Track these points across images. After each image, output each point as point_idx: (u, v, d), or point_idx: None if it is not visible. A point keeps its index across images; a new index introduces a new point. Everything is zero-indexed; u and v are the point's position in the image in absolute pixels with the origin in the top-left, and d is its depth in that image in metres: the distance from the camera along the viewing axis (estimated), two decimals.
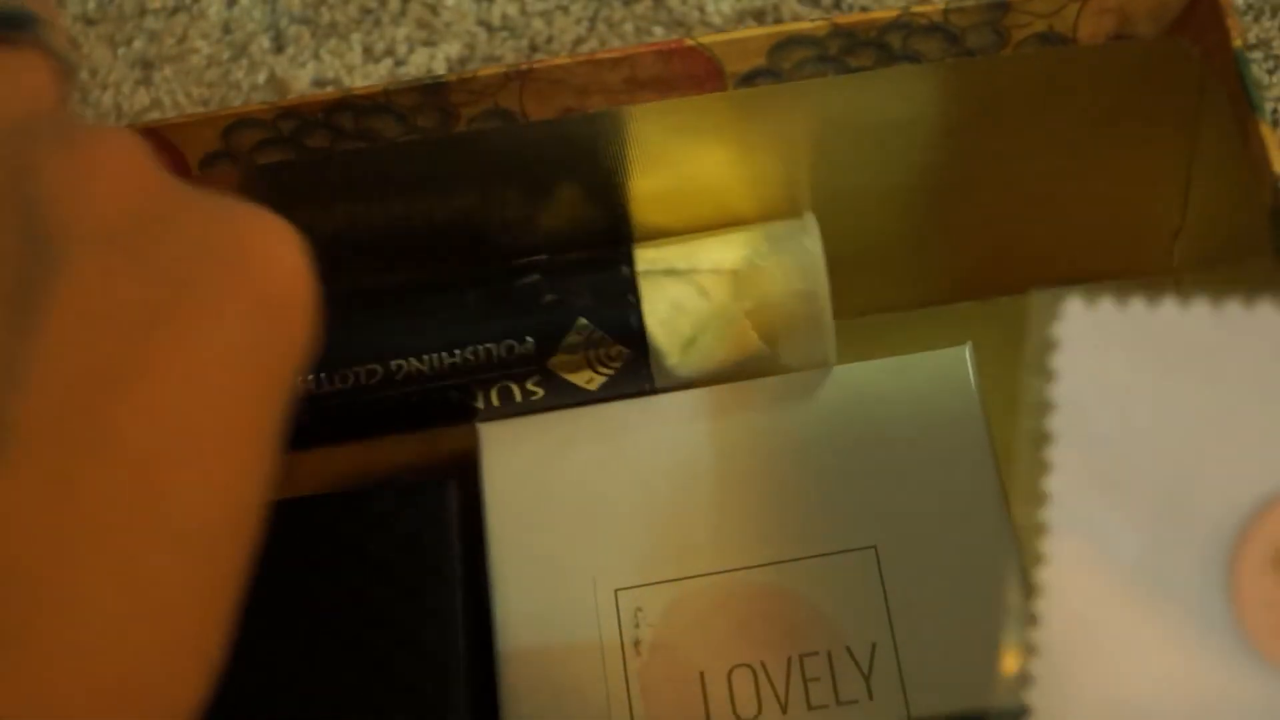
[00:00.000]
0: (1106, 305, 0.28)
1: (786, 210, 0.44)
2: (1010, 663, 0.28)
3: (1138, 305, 0.28)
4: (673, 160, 0.42)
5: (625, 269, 0.43)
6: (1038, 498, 0.28)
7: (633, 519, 0.41)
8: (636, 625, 0.40)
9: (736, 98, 0.40)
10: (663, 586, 0.40)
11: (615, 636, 0.40)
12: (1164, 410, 0.28)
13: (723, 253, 0.43)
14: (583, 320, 0.42)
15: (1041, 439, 0.28)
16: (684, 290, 0.42)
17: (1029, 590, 0.28)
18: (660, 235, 0.44)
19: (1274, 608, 0.27)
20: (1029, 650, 0.28)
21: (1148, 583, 0.27)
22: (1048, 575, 0.28)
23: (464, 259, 0.44)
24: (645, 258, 0.43)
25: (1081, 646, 0.28)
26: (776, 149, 0.42)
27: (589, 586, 0.40)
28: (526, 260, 0.44)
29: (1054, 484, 0.28)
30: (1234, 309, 0.28)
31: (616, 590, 0.40)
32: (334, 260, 0.43)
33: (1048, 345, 0.28)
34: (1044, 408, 0.28)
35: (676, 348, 0.42)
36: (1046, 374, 0.28)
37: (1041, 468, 0.28)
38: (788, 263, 0.42)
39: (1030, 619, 0.28)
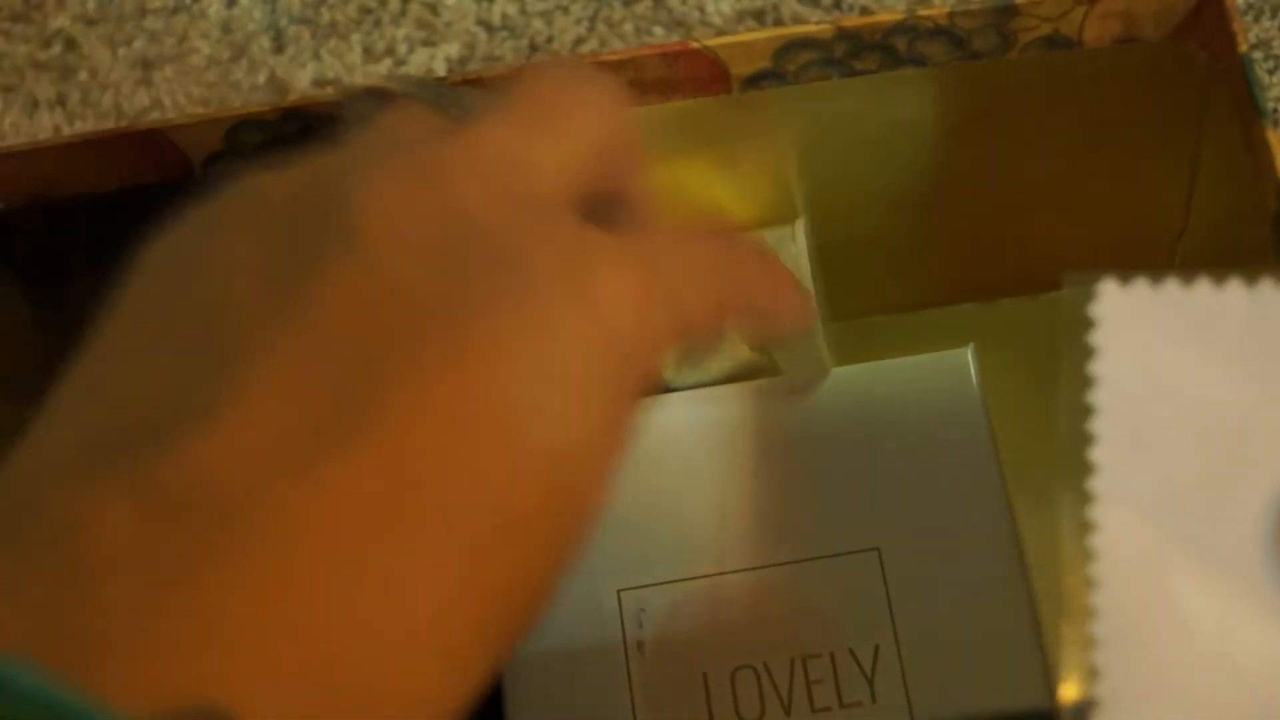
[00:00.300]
0: (1141, 286, 0.29)
1: (782, 217, 0.44)
2: (1074, 631, 0.28)
3: (1172, 285, 0.29)
4: (673, 165, 0.42)
5: None
6: (1083, 468, 0.29)
7: (636, 519, 0.41)
8: (640, 625, 0.40)
9: (740, 101, 0.40)
10: (666, 587, 0.40)
11: (618, 637, 0.40)
12: (1203, 384, 0.29)
13: None
14: None
15: (1084, 411, 0.29)
16: None
17: (1085, 556, 0.28)
18: None
19: None
20: (1091, 614, 0.28)
21: (1197, 545, 0.28)
22: (1100, 541, 0.28)
23: None
24: None
25: (1141, 607, 0.28)
26: (779, 151, 0.42)
27: (591, 586, 0.40)
28: None
29: (1099, 454, 0.28)
30: (1267, 288, 0.29)
31: (619, 590, 0.40)
32: None
33: (1085, 324, 0.29)
34: (1085, 381, 0.29)
35: (670, 365, 0.43)
36: (1085, 350, 0.29)
37: (1085, 439, 0.29)
38: None
39: (1088, 583, 0.28)
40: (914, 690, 0.39)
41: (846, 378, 0.42)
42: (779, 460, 0.41)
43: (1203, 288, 0.29)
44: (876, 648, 0.39)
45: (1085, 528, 0.28)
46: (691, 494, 0.41)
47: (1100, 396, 0.29)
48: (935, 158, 0.43)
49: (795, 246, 0.43)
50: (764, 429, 0.41)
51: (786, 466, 0.41)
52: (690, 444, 0.42)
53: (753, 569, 0.40)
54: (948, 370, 0.42)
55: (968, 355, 0.42)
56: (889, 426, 0.41)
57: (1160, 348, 0.29)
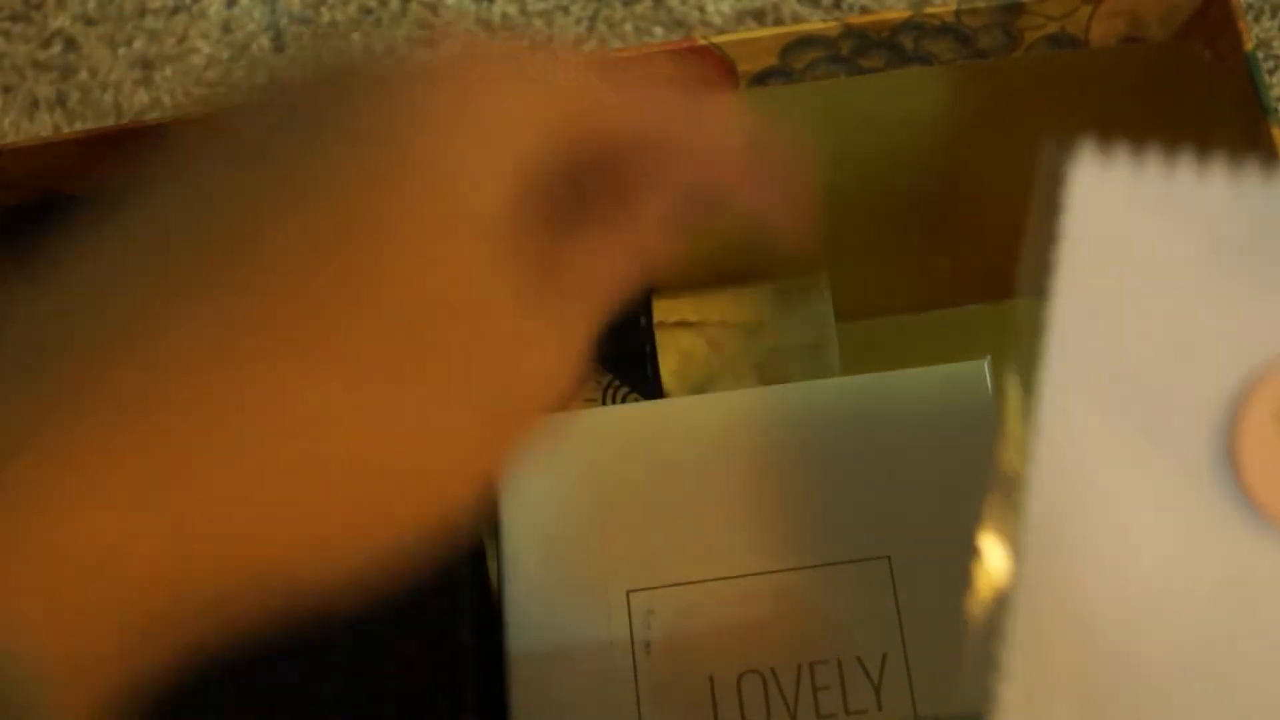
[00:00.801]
0: (1122, 157, 0.28)
1: (804, 266, 0.45)
2: (995, 529, 0.27)
3: (1154, 163, 0.28)
4: None
5: (643, 319, 0.44)
6: (1033, 355, 0.27)
7: (647, 521, 0.41)
8: (648, 627, 0.40)
9: (746, 98, 0.40)
10: (675, 589, 0.40)
11: (625, 637, 0.39)
12: (1172, 260, 0.27)
13: (734, 307, 0.44)
14: (601, 369, 0.43)
15: (1042, 295, 0.27)
16: (695, 342, 0.43)
17: (1022, 456, 0.27)
18: (674, 271, 0.45)
19: (1276, 464, 0.26)
20: (1017, 516, 0.27)
21: (1148, 441, 0.26)
22: (1042, 439, 0.27)
23: None
24: (661, 309, 0.44)
25: (1076, 508, 0.26)
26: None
27: (601, 587, 0.40)
28: None
29: (1051, 341, 0.27)
30: (1251, 179, 0.28)
31: (628, 591, 0.40)
32: None
33: (1058, 181, 0.28)
34: (1051, 237, 0.28)
35: (686, 395, 0.43)
36: (1055, 207, 0.28)
37: (1039, 326, 0.27)
38: (797, 318, 0.43)
39: (1021, 485, 0.27)
40: (920, 699, 0.39)
41: (863, 386, 0.42)
42: (792, 465, 0.41)
43: (1185, 172, 0.28)
44: (884, 656, 0.39)
45: (1031, 424, 0.27)
46: (703, 497, 0.41)
47: (1065, 253, 0.27)
48: (940, 156, 0.43)
49: (819, 296, 0.44)
50: (779, 434, 0.41)
51: (799, 472, 0.41)
52: (703, 447, 0.41)
53: (762, 573, 0.40)
54: (964, 381, 0.42)
55: (984, 367, 0.42)
56: (904, 436, 0.41)
57: (1132, 215, 0.28)
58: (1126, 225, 0.28)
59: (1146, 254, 0.28)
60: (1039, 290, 0.27)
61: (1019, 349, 0.27)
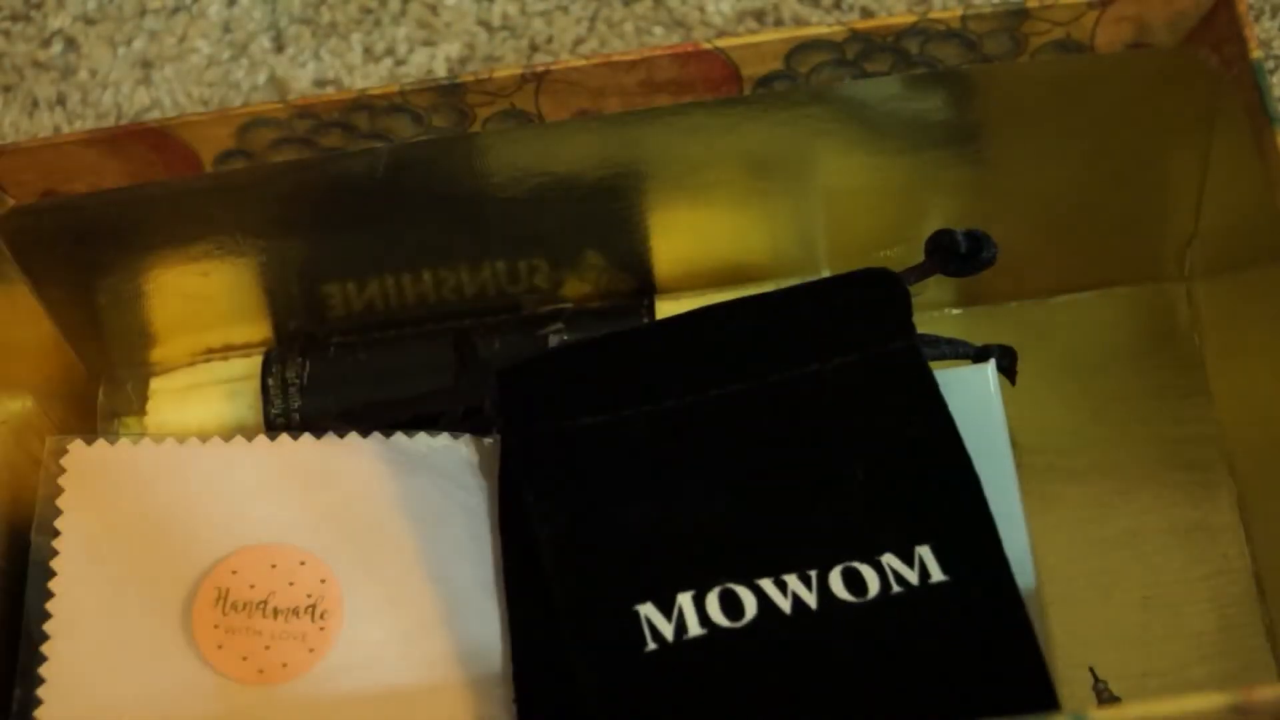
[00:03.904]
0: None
1: (806, 265, 0.45)
2: None
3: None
4: (690, 166, 0.42)
5: (644, 320, 0.44)
6: None
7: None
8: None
9: (752, 100, 0.40)
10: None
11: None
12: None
13: None
14: None
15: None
16: None
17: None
18: (676, 262, 0.45)
19: (220, 631, 0.40)
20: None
21: (141, 615, 0.41)
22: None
23: (483, 296, 0.45)
24: (662, 309, 0.44)
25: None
26: (790, 154, 0.42)
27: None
28: (551, 309, 0.45)
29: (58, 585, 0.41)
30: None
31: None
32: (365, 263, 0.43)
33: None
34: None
35: None
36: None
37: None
38: None
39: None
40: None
41: None
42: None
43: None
44: None
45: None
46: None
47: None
48: (944, 160, 0.43)
49: None
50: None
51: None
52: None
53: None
54: (966, 381, 0.42)
55: (988, 371, 0.42)
56: None
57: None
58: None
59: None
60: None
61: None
